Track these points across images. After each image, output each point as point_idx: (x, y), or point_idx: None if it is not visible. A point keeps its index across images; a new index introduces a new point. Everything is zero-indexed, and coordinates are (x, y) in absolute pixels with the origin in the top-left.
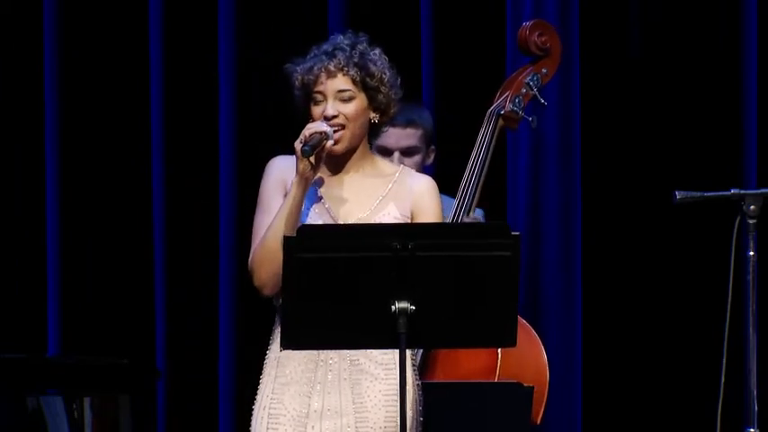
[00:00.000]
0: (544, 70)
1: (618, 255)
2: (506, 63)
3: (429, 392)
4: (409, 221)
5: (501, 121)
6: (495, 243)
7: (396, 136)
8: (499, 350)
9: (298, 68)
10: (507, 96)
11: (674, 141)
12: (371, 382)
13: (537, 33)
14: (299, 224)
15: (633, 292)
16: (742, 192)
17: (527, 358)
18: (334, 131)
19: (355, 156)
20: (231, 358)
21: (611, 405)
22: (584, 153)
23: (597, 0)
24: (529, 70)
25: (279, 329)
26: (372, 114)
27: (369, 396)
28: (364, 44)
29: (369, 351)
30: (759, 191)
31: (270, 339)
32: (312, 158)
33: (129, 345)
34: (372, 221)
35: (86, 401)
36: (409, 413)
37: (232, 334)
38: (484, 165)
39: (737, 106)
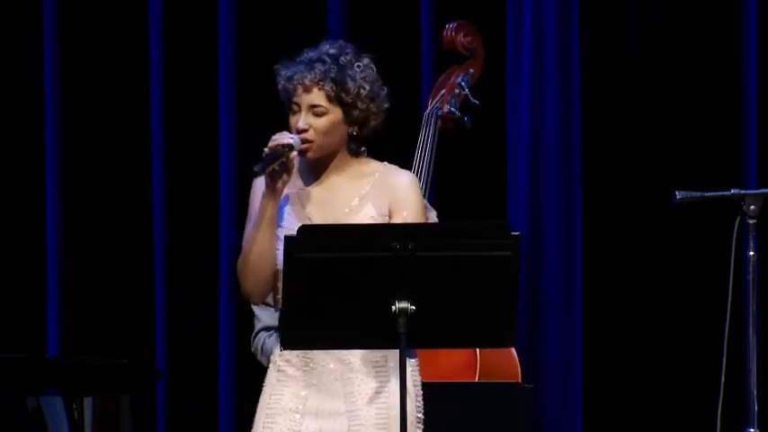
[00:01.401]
0: (471, 70)
1: (618, 255)
2: (506, 63)
3: (429, 392)
4: (387, 219)
5: (439, 123)
6: (495, 243)
7: None
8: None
9: (282, 73)
10: (443, 98)
11: (674, 141)
12: (362, 380)
13: (462, 34)
14: (276, 233)
15: (633, 292)
16: (742, 192)
17: (502, 355)
18: (303, 143)
19: (334, 161)
20: (231, 358)
21: (611, 405)
22: (584, 153)
23: (597, 0)
24: (458, 71)
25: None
26: (349, 128)
27: (359, 394)
28: (349, 55)
29: (359, 350)
30: (759, 191)
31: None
32: (278, 172)
33: (129, 345)
34: (350, 222)
35: (86, 401)
36: (408, 408)
37: (232, 334)
38: (429, 167)
39: (737, 106)
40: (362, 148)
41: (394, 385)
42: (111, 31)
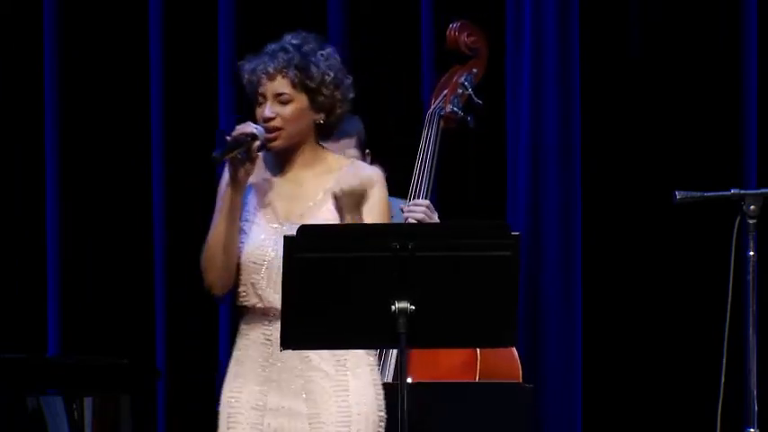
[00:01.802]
0: (474, 70)
1: (618, 255)
2: (506, 63)
3: (429, 392)
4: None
5: (442, 122)
6: (495, 243)
7: (334, 150)
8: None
9: (245, 67)
10: (445, 97)
11: (674, 141)
12: (323, 378)
13: (465, 34)
14: (240, 226)
15: (633, 292)
16: (742, 192)
17: (503, 355)
18: (270, 132)
19: (301, 153)
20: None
21: (611, 405)
22: (584, 153)
23: (597, 0)
24: (461, 71)
25: (239, 328)
26: (316, 116)
27: (319, 393)
28: (312, 44)
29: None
30: (759, 191)
31: (236, 338)
32: (240, 161)
33: (129, 345)
34: (314, 216)
35: (86, 401)
36: (366, 408)
37: (232, 334)
38: (432, 167)
39: (737, 106)
40: (367, 150)
41: (353, 384)
42: (111, 31)
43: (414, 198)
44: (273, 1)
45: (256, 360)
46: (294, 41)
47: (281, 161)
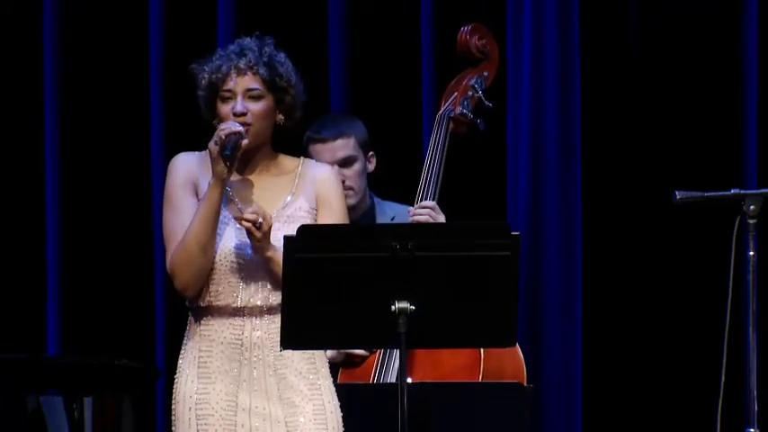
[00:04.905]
0: (485, 73)
1: (618, 255)
2: (507, 63)
3: (429, 392)
4: (316, 211)
5: (451, 125)
6: (495, 243)
7: (329, 150)
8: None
9: (205, 68)
10: (455, 100)
11: (674, 141)
12: (296, 377)
13: (476, 37)
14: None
15: (633, 292)
16: (742, 192)
17: (506, 355)
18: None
19: (261, 155)
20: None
21: (611, 405)
22: (584, 153)
23: (597, 0)
24: (472, 74)
25: (194, 329)
26: (279, 117)
27: (295, 392)
28: (271, 46)
29: None
30: (759, 191)
31: (184, 339)
32: (234, 159)
33: (129, 345)
34: (285, 217)
35: (86, 401)
36: (335, 407)
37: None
38: (440, 169)
39: (737, 106)
40: (371, 153)
41: (323, 382)
42: (111, 31)
43: (421, 200)
44: (273, 1)
45: (223, 360)
46: (254, 42)
47: (241, 163)
